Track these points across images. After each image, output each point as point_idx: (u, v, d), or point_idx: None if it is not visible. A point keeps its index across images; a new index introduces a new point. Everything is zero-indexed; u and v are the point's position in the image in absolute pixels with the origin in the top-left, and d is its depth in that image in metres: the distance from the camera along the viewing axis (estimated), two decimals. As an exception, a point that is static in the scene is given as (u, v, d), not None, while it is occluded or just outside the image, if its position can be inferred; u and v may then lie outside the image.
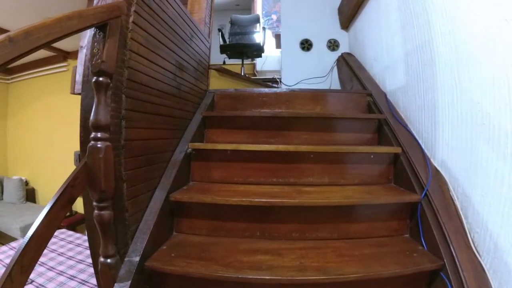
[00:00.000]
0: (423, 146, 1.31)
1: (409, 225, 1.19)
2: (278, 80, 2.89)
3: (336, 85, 2.62)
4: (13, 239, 2.94)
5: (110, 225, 0.86)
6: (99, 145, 0.82)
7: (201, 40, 1.73)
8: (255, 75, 4.82)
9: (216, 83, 1.95)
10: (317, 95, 1.72)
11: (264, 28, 3.88)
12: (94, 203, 0.84)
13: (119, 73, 0.96)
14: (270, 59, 4.82)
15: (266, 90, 1.74)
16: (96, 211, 0.84)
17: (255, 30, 4.25)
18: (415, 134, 1.38)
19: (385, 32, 1.78)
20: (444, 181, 1.16)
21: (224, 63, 4.17)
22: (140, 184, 1.08)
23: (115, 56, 0.89)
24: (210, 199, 1.07)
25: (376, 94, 1.72)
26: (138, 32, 1.04)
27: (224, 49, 3.74)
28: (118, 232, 0.95)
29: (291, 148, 1.23)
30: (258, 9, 5.60)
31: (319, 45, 2.72)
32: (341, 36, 2.69)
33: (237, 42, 4.00)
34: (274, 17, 5.51)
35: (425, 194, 1.12)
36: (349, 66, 2.23)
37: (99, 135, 0.82)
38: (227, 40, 4.09)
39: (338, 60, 2.59)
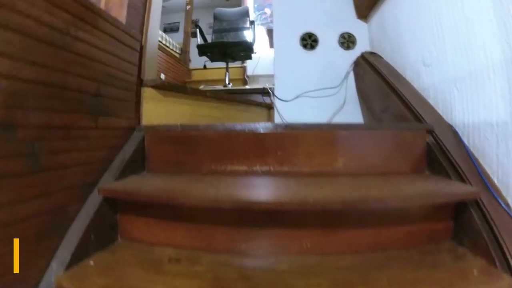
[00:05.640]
0: None
1: None
2: (270, 91, 2.09)
3: (353, 100, 1.80)
4: None
5: None
6: None
7: (116, 38, 0.92)
8: (246, 81, 3.96)
9: (158, 110, 1.13)
10: (334, 136, 0.90)
11: (253, 22, 3.05)
12: None
13: None
14: (263, 61, 3.96)
15: (239, 127, 0.93)
16: None
17: (243, 26, 3.42)
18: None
19: (448, 13, 0.97)
20: None
21: (204, 67, 3.36)
22: None
23: None
24: None
25: (440, 130, 0.92)
26: None
27: (202, 50, 2.91)
28: None
29: None
30: (249, 3, 4.77)
31: (328, 41, 1.90)
32: (358, 28, 1.89)
33: (219, 41, 3.17)
34: (267, 11, 4.68)
35: None
36: (378, 73, 1.41)
37: None
38: (211, 40, 3.27)
39: (356, 63, 1.77)
